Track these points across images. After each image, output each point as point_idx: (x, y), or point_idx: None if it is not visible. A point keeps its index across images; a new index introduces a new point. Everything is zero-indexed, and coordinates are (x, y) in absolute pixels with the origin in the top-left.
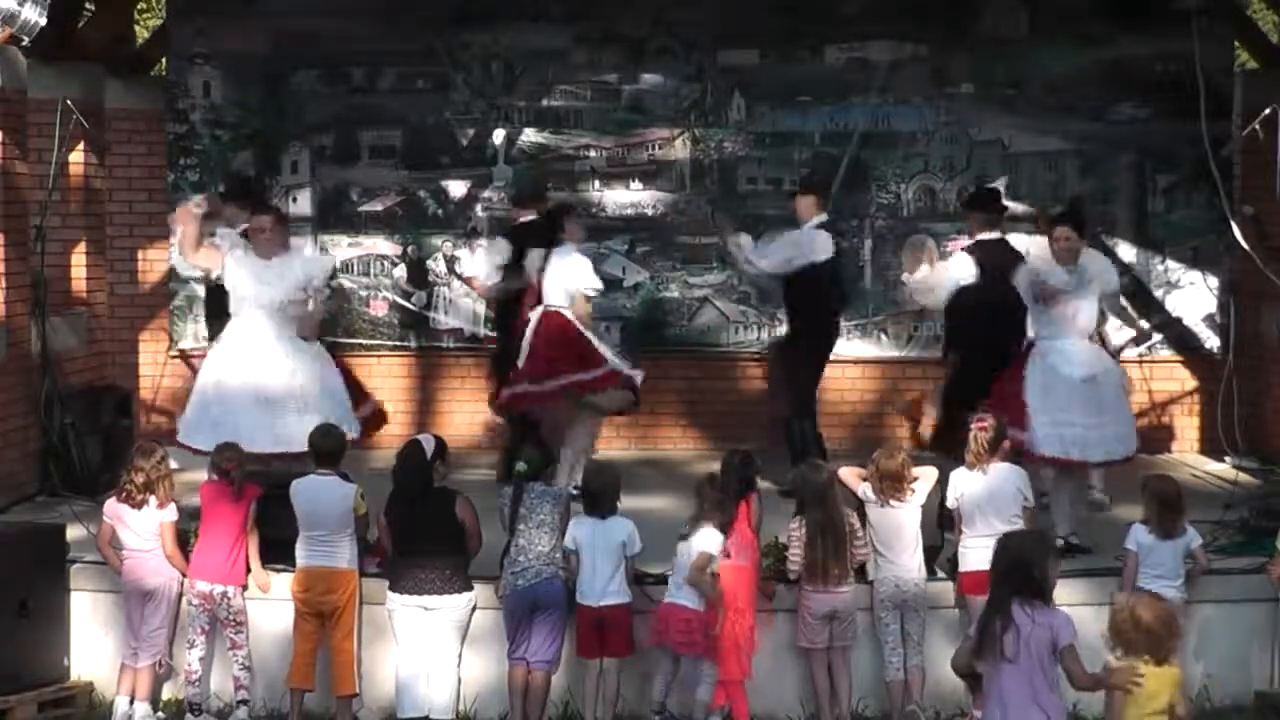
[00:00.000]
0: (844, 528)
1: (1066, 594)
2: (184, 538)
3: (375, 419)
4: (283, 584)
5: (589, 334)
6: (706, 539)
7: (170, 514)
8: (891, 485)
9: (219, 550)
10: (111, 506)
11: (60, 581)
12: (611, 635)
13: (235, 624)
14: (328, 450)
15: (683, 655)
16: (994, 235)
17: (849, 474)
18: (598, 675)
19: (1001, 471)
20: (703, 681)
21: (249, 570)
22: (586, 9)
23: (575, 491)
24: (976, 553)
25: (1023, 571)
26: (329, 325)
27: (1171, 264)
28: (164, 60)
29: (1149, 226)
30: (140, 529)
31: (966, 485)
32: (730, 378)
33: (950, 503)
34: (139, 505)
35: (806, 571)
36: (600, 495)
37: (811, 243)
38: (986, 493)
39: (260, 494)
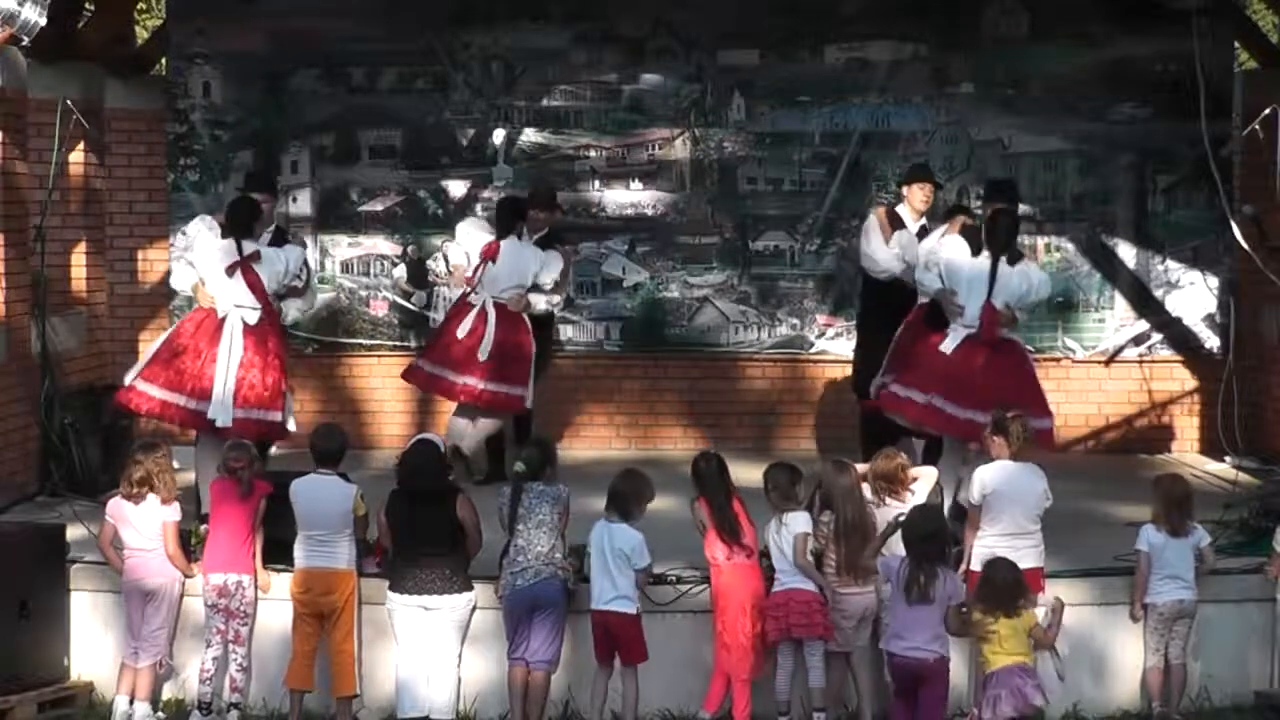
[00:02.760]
0: (871, 527)
1: (1067, 594)
2: (185, 538)
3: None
4: (283, 584)
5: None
6: (798, 522)
7: (173, 513)
8: (887, 486)
9: (230, 544)
10: (114, 505)
11: (60, 581)
12: (621, 644)
13: (243, 615)
14: (328, 450)
15: (803, 639)
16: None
17: None
18: (606, 679)
19: (1027, 470)
20: (813, 667)
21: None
22: (586, 9)
23: None
24: (995, 552)
25: (948, 538)
26: (330, 324)
27: (1171, 264)
28: (164, 60)
29: (1149, 226)
30: (142, 527)
31: (996, 481)
32: (730, 378)
33: (975, 498)
34: (138, 500)
35: (836, 572)
36: (615, 498)
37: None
38: (1016, 490)
39: (271, 491)
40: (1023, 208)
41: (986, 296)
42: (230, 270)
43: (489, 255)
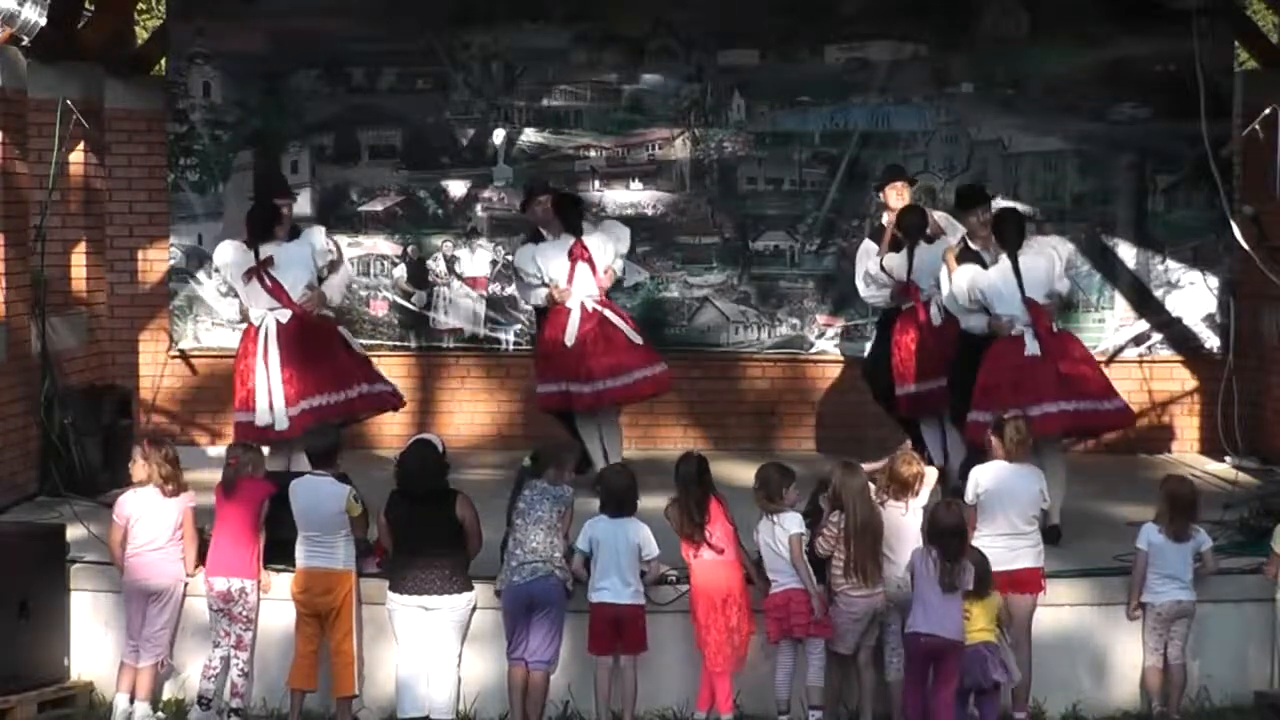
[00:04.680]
0: (879, 528)
1: (1068, 594)
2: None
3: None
4: (283, 584)
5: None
6: (792, 523)
7: (191, 500)
8: (898, 489)
9: (232, 546)
10: (128, 503)
11: (60, 581)
12: (628, 633)
13: (245, 620)
14: (321, 450)
15: (802, 639)
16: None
17: None
18: (609, 672)
19: (1025, 470)
20: (811, 665)
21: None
22: (586, 9)
23: None
24: (993, 551)
25: (965, 533)
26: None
27: (1171, 264)
28: (164, 60)
29: (1149, 226)
30: (159, 523)
31: (991, 481)
32: (730, 378)
33: (969, 498)
34: (173, 495)
35: (845, 573)
36: (616, 496)
37: None
38: (1011, 490)
39: (274, 492)
40: (1023, 207)
41: (1021, 294)
42: (247, 277)
43: (581, 257)
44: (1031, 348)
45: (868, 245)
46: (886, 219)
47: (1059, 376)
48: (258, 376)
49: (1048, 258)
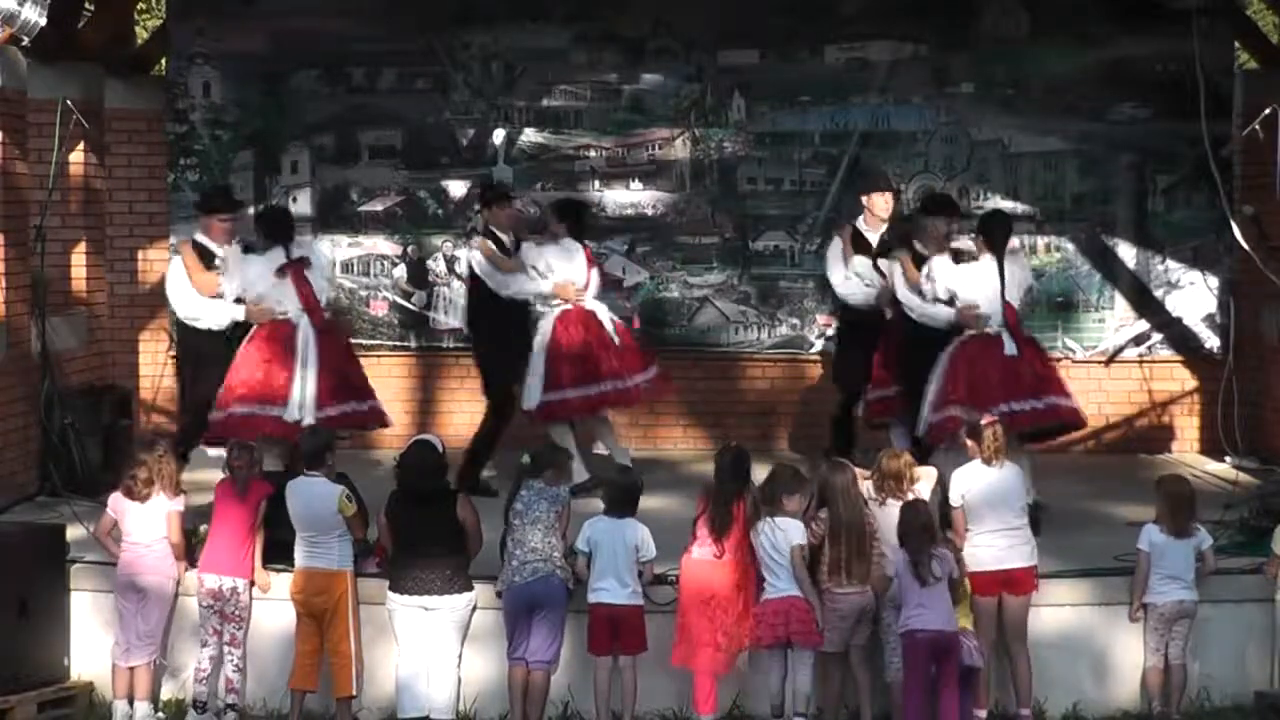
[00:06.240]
0: (865, 526)
1: (1068, 594)
2: (186, 536)
3: None
4: (283, 584)
5: None
6: (795, 533)
7: (177, 504)
8: (894, 485)
9: (227, 546)
10: (116, 499)
11: (60, 581)
12: (626, 634)
13: (238, 619)
14: (310, 451)
15: (799, 646)
16: None
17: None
18: (609, 672)
19: (1005, 468)
20: (802, 671)
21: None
22: (586, 9)
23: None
24: (987, 551)
25: (935, 526)
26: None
27: (1171, 264)
28: (164, 60)
29: (1149, 226)
30: (144, 523)
31: (974, 482)
32: (730, 378)
33: (955, 500)
34: (142, 498)
35: (829, 571)
36: (619, 496)
37: None
38: (996, 488)
39: (271, 492)
40: (1023, 207)
41: (1002, 297)
42: (280, 273)
43: (593, 262)
44: (1010, 347)
45: (838, 245)
46: (862, 220)
47: (1033, 374)
48: (296, 374)
49: (1021, 267)
